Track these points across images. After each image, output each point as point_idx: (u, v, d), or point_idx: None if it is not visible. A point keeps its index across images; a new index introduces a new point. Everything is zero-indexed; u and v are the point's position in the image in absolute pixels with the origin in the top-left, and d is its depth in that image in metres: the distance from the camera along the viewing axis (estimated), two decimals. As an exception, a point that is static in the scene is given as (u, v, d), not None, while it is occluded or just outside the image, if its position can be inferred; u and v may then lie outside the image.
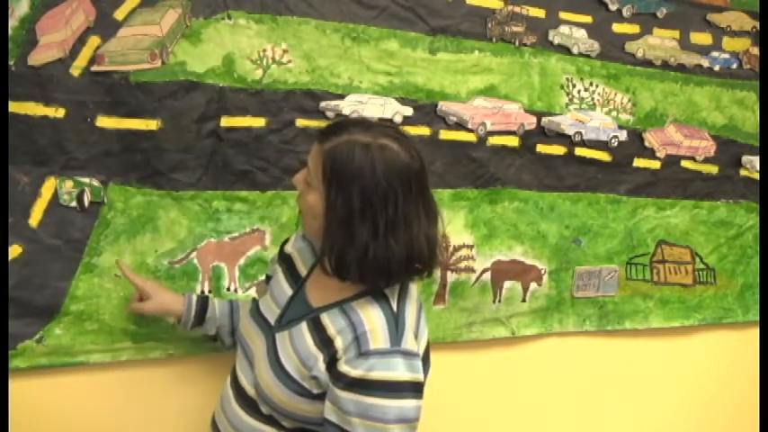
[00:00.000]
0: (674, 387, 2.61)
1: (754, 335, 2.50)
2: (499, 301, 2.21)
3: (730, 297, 2.58)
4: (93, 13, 1.66)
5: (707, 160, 2.42)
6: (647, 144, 2.32)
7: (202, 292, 1.87)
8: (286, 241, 1.62)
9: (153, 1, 1.72)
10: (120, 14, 1.69)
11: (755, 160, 2.48)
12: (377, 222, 1.27)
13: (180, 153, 1.78)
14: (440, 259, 1.40)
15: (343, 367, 1.27)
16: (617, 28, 2.22)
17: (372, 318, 1.31)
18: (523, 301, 2.25)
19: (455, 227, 2.11)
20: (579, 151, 2.22)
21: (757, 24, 2.39)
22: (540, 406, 2.41)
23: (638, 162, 2.33)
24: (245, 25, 1.80)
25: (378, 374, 1.25)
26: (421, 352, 1.35)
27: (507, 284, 2.21)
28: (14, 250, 1.68)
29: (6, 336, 1.57)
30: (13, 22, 1.60)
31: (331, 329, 1.33)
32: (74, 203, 1.72)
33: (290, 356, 1.36)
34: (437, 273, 2.09)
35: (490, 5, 2.05)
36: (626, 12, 2.21)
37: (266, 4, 1.81)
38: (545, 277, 2.26)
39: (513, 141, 2.13)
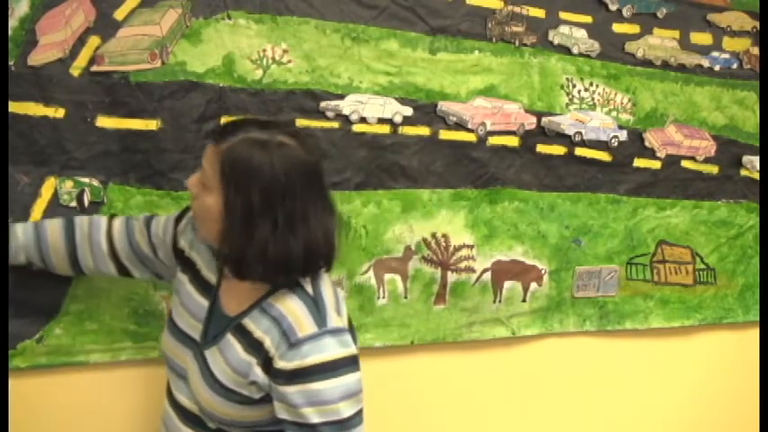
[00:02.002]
0: (675, 387, 2.61)
1: (754, 335, 2.50)
2: (499, 301, 2.21)
3: (731, 297, 2.58)
4: (93, 14, 1.66)
5: (707, 160, 2.42)
6: (647, 144, 2.31)
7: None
8: (176, 230, 1.54)
9: (153, 1, 1.72)
10: (119, 15, 1.69)
11: (756, 160, 2.47)
12: (276, 219, 1.26)
13: (180, 153, 1.78)
14: (338, 252, 1.38)
15: (279, 363, 1.27)
16: (617, 28, 2.22)
17: (292, 308, 1.31)
18: (524, 301, 2.25)
19: (455, 227, 2.11)
20: (579, 151, 2.22)
21: (757, 24, 2.38)
22: (540, 406, 2.41)
23: (639, 162, 2.32)
24: (245, 25, 1.80)
25: (313, 359, 1.26)
26: (346, 325, 1.36)
27: (507, 284, 2.21)
28: (15, 250, 1.68)
29: (6, 336, 1.57)
30: (12, 23, 1.60)
31: (257, 332, 1.32)
32: (74, 203, 1.72)
33: (223, 370, 1.34)
34: (438, 272, 2.10)
35: (490, 5, 2.04)
36: (626, 12, 2.21)
37: (266, 4, 1.81)
38: (545, 277, 2.26)
39: (513, 141, 2.13)
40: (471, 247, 2.14)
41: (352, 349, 1.31)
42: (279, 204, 1.26)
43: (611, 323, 2.41)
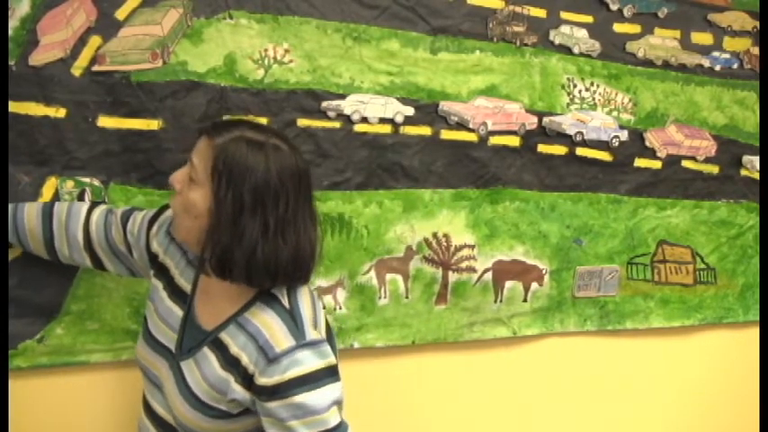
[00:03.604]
0: (675, 387, 2.61)
1: (754, 335, 2.50)
2: (500, 301, 2.21)
3: (731, 297, 2.58)
4: (95, 13, 1.66)
5: (708, 160, 2.42)
6: (647, 144, 2.31)
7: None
8: (152, 222, 1.54)
9: (154, 1, 1.71)
10: (121, 14, 1.69)
11: (756, 160, 2.47)
12: (267, 221, 1.25)
13: (181, 153, 1.77)
14: (317, 266, 1.39)
15: (261, 380, 1.26)
16: (618, 28, 2.22)
17: (268, 323, 1.30)
18: (525, 300, 2.25)
19: (456, 227, 2.11)
20: (580, 151, 2.22)
21: (758, 24, 2.38)
22: (541, 406, 2.41)
23: (639, 162, 2.32)
24: (247, 25, 1.80)
25: (293, 373, 1.25)
26: (323, 336, 1.35)
27: (508, 284, 2.21)
28: (16, 250, 1.67)
29: (6, 336, 1.57)
30: (14, 22, 1.60)
31: (233, 348, 1.31)
32: (75, 203, 1.72)
33: (199, 384, 1.33)
34: (439, 272, 2.10)
35: (491, 5, 2.04)
36: (627, 12, 2.21)
37: (267, 3, 1.81)
38: (546, 277, 2.26)
39: (514, 141, 2.13)
40: (472, 246, 2.14)
41: (330, 359, 1.31)
42: (270, 207, 1.26)
43: (612, 323, 2.41)
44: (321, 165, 1.91)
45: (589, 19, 2.17)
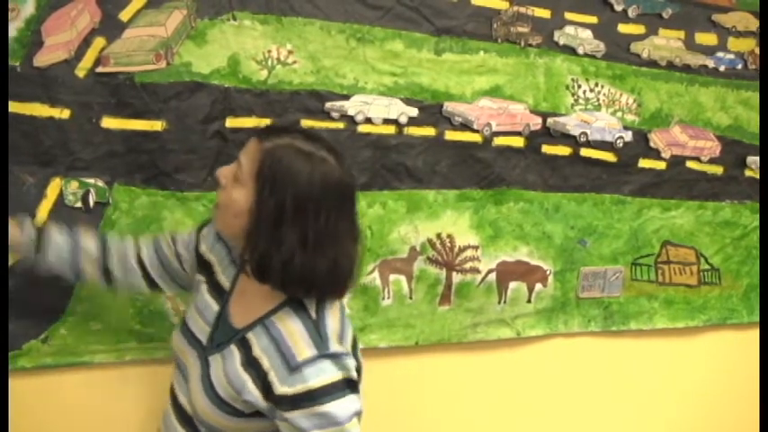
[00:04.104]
0: (679, 387, 2.61)
1: (758, 335, 2.50)
2: (504, 302, 2.21)
3: (735, 298, 2.58)
4: (99, 15, 1.66)
5: (712, 161, 2.42)
6: (652, 145, 2.31)
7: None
8: (198, 236, 1.55)
9: (158, 2, 1.72)
10: (125, 16, 1.69)
11: (761, 161, 2.47)
12: (306, 232, 1.25)
13: (185, 154, 1.78)
14: (354, 283, 1.38)
15: (281, 389, 1.25)
16: (622, 28, 2.21)
17: (292, 330, 1.30)
18: (528, 301, 2.25)
19: (460, 227, 2.11)
20: (584, 152, 2.22)
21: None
22: (545, 406, 2.41)
23: (644, 163, 2.32)
24: (250, 26, 1.80)
25: (315, 383, 1.24)
26: (348, 350, 1.34)
27: (512, 285, 2.21)
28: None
29: (6, 336, 1.57)
30: (18, 23, 1.60)
31: (256, 349, 1.31)
32: (79, 204, 1.73)
33: (221, 380, 1.33)
34: (442, 273, 2.10)
35: (496, 6, 2.04)
36: (631, 12, 2.21)
37: (271, 4, 1.81)
38: (550, 278, 2.26)
39: (518, 142, 2.13)
40: (476, 247, 2.14)
41: (351, 373, 1.29)
42: (311, 219, 1.25)
43: (616, 324, 2.41)
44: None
45: (593, 19, 2.17)
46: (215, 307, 1.43)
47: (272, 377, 1.26)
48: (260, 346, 1.31)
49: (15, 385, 1.72)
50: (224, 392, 1.32)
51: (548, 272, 2.25)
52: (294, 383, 1.25)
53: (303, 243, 1.25)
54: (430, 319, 2.13)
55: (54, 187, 1.70)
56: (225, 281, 1.45)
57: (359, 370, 1.34)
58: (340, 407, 1.25)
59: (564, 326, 2.33)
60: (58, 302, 1.75)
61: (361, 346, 1.93)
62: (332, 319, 1.33)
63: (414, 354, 2.16)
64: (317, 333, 1.29)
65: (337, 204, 1.28)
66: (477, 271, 2.15)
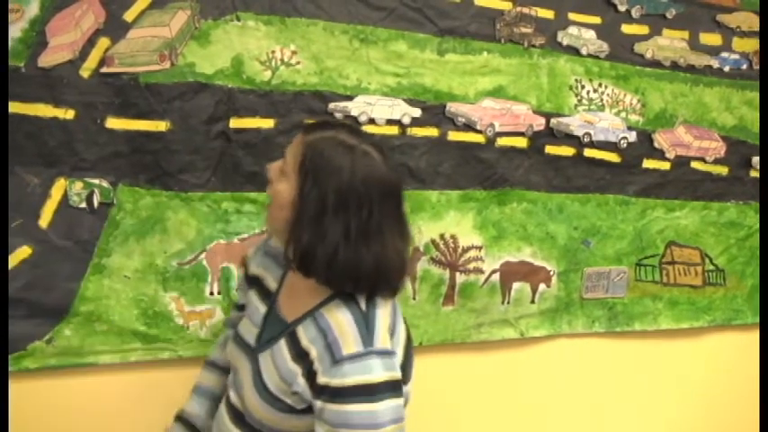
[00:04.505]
0: (684, 388, 2.60)
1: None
2: (508, 303, 2.20)
3: (740, 298, 2.57)
4: (103, 15, 1.67)
5: (717, 161, 2.41)
6: (656, 145, 2.31)
7: (211, 293, 1.88)
8: (246, 262, 1.57)
9: (162, 3, 1.72)
10: (129, 16, 1.70)
11: (767, 161, 2.47)
12: (349, 225, 1.24)
13: (189, 154, 1.79)
14: (404, 283, 1.37)
15: (321, 379, 1.23)
16: (626, 29, 2.21)
17: (341, 322, 1.27)
18: (532, 302, 2.24)
19: (464, 228, 2.11)
20: (588, 152, 2.22)
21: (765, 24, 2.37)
22: (549, 407, 2.41)
23: (648, 163, 2.32)
24: (254, 27, 1.80)
25: (354, 380, 1.21)
26: (398, 350, 1.31)
27: (516, 285, 2.20)
28: (24, 251, 1.69)
29: (6, 335, 1.57)
30: (23, 24, 1.61)
31: (304, 340, 1.29)
32: (83, 204, 1.73)
33: (272, 376, 1.32)
34: (446, 274, 2.10)
35: (499, 7, 2.04)
36: (635, 13, 2.21)
37: (275, 5, 1.82)
38: (554, 278, 2.26)
39: (521, 142, 2.13)
40: (480, 248, 2.14)
41: (395, 374, 1.25)
42: (353, 211, 1.24)
43: (620, 324, 2.40)
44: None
45: (597, 20, 2.17)
46: (262, 309, 1.44)
47: (317, 366, 1.24)
48: (308, 337, 1.29)
49: (20, 386, 1.73)
50: (275, 387, 1.31)
51: (551, 272, 2.25)
52: (334, 376, 1.22)
53: (346, 236, 1.24)
54: (434, 320, 2.13)
55: (58, 188, 1.71)
56: (273, 284, 1.46)
57: (405, 368, 1.32)
58: (375, 409, 1.21)
59: (568, 326, 2.33)
60: (63, 303, 1.75)
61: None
62: (383, 314, 1.30)
63: (417, 354, 2.13)
64: (365, 326, 1.26)
65: (381, 199, 1.26)
66: (480, 271, 2.15)
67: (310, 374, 1.26)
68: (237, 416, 1.40)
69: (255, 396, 1.34)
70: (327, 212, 1.24)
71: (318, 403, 1.24)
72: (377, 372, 1.22)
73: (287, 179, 1.29)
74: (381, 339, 1.26)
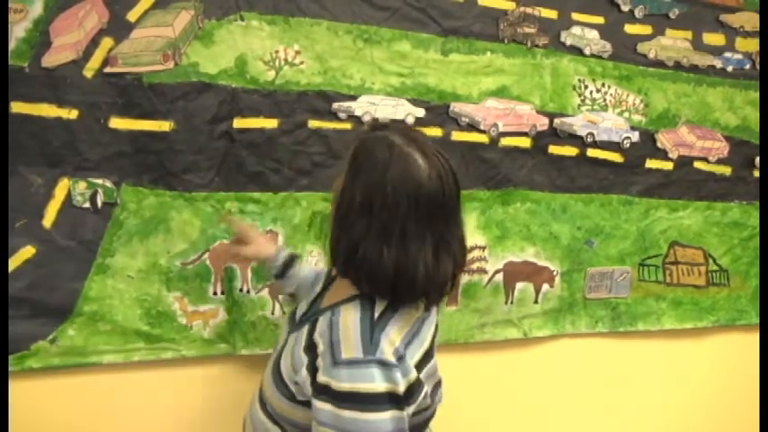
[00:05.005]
0: (687, 388, 2.60)
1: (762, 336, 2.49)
2: (511, 303, 2.20)
3: (744, 299, 2.56)
4: (107, 15, 1.67)
5: (720, 161, 2.41)
6: (659, 145, 2.30)
7: (215, 293, 1.88)
8: None
9: (166, 3, 1.72)
10: (132, 16, 1.70)
11: (770, 161, 2.46)
12: (372, 223, 1.22)
13: (192, 154, 1.79)
14: (443, 298, 1.34)
15: (321, 378, 1.20)
16: (629, 29, 2.21)
17: (347, 323, 1.25)
18: (536, 302, 2.24)
19: (467, 228, 2.08)
20: (591, 152, 2.21)
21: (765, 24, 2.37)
22: (552, 407, 2.40)
23: (651, 163, 2.31)
24: (258, 27, 1.80)
25: (351, 386, 1.18)
26: (412, 359, 1.25)
27: (519, 286, 2.20)
28: (28, 251, 1.69)
29: (6, 335, 1.57)
30: (26, 24, 1.61)
31: (317, 332, 1.28)
32: (87, 204, 1.73)
33: (286, 357, 1.32)
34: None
35: (502, 6, 2.04)
36: (638, 13, 2.20)
37: (279, 5, 1.82)
38: (557, 278, 2.25)
39: (525, 142, 2.13)
40: (483, 248, 2.13)
41: (396, 386, 1.19)
42: (378, 210, 1.22)
43: (624, 324, 2.40)
44: (332, 166, 1.91)
45: (600, 20, 2.17)
46: (317, 290, 1.47)
47: (320, 362, 1.23)
48: (320, 330, 1.28)
49: (23, 386, 1.74)
50: (285, 370, 1.31)
51: (555, 272, 2.25)
52: (333, 376, 1.19)
53: (367, 234, 1.23)
54: (437, 320, 2.13)
55: (62, 188, 1.71)
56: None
57: (412, 386, 1.23)
58: (371, 419, 1.18)
59: (571, 326, 2.33)
60: (66, 303, 1.76)
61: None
62: (397, 327, 1.27)
63: (421, 354, 2.15)
64: (369, 335, 1.23)
65: (410, 204, 1.22)
66: (483, 271, 2.15)
67: (313, 369, 1.24)
68: (262, 402, 1.40)
69: (270, 375, 1.35)
70: (354, 207, 1.24)
71: (316, 402, 1.21)
72: (377, 381, 1.19)
73: (342, 174, 1.30)
74: (386, 350, 1.22)
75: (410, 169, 1.22)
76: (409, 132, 1.31)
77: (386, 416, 1.18)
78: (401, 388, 1.20)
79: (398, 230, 1.22)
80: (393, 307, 1.29)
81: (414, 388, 1.23)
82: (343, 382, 1.18)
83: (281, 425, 1.35)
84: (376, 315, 1.27)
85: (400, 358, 1.23)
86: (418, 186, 1.22)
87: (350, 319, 1.26)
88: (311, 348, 1.27)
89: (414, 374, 1.23)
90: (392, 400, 1.19)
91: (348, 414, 1.17)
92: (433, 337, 1.37)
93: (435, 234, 1.26)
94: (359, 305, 1.28)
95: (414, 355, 1.27)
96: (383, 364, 1.20)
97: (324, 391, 1.20)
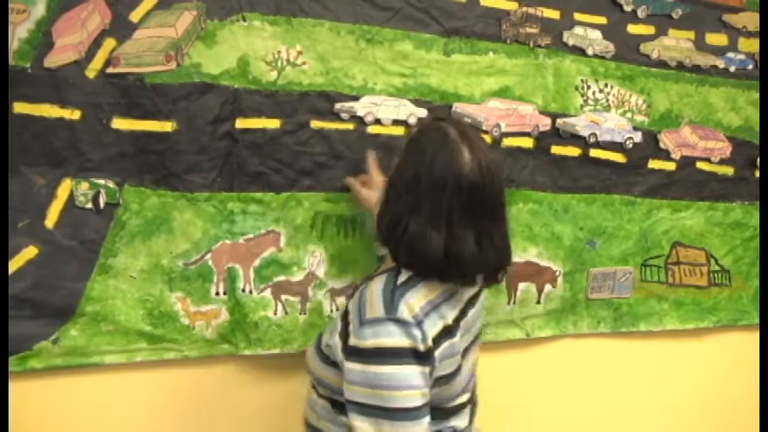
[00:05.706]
0: (689, 389, 2.60)
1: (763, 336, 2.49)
2: (514, 303, 2.20)
3: (745, 299, 2.56)
4: (109, 16, 1.67)
5: (722, 162, 2.41)
6: (661, 145, 2.30)
7: (217, 293, 1.88)
8: None
9: (168, 3, 1.72)
10: (135, 16, 1.70)
11: (772, 162, 2.46)
12: (418, 201, 1.33)
13: (195, 155, 1.79)
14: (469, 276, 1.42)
15: (352, 341, 1.32)
16: (632, 29, 2.21)
17: (373, 289, 1.36)
18: (538, 302, 2.24)
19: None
20: (594, 153, 2.21)
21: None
22: (554, 408, 2.40)
23: (653, 163, 2.31)
24: (260, 27, 1.80)
25: (375, 342, 1.29)
26: (433, 328, 1.34)
27: (522, 286, 2.20)
28: (30, 252, 1.69)
29: (6, 335, 1.57)
30: (29, 25, 1.61)
31: (352, 301, 1.40)
32: (89, 205, 1.73)
33: (330, 323, 1.46)
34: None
35: (504, 7, 2.04)
36: (641, 13, 2.20)
37: (281, 5, 1.81)
38: (559, 279, 2.25)
39: (527, 143, 2.13)
40: (485, 248, 2.13)
41: (416, 343, 1.30)
42: (423, 191, 1.33)
43: (626, 325, 2.40)
44: (334, 166, 1.91)
45: (603, 20, 2.17)
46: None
47: (351, 328, 1.33)
48: (354, 300, 1.40)
49: (25, 386, 1.74)
50: (326, 334, 1.43)
51: (557, 273, 2.25)
52: (359, 336, 1.31)
53: (411, 210, 1.34)
54: (439, 320, 2.13)
55: (65, 188, 1.71)
56: None
57: (430, 350, 1.32)
58: (393, 373, 1.27)
59: (573, 327, 2.33)
60: (69, 303, 1.75)
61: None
62: (416, 296, 1.35)
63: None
64: (391, 298, 1.33)
65: (453, 191, 1.31)
66: (486, 272, 2.15)
67: (346, 335, 1.34)
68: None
69: (313, 344, 1.48)
70: (403, 181, 1.35)
71: (347, 364, 1.31)
72: (397, 337, 1.29)
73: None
74: (404, 312, 1.31)
75: (455, 158, 1.33)
76: (465, 128, 1.41)
77: (414, 370, 1.29)
78: (420, 345, 1.30)
79: (443, 215, 1.32)
80: (416, 278, 1.38)
81: (431, 353, 1.32)
82: (368, 339, 1.29)
83: (314, 387, 1.50)
84: (399, 281, 1.37)
85: (419, 323, 1.31)
86: (459, 175, 1.32)
87: (375, 285, 1.37)
88: (345, 315, 1.39)
89: (430, 342, 1.32)
90: (416, 355, 1.29)
91: (376, 369, 1.28)
92: (458, 319, 1.43)
93: (479, 225, 1.35)
94: (387, 273, 1.39)
95: (432, 327, 1.34)
96: (401, 322, 1.30)
97: (353, 352, 1.31)
